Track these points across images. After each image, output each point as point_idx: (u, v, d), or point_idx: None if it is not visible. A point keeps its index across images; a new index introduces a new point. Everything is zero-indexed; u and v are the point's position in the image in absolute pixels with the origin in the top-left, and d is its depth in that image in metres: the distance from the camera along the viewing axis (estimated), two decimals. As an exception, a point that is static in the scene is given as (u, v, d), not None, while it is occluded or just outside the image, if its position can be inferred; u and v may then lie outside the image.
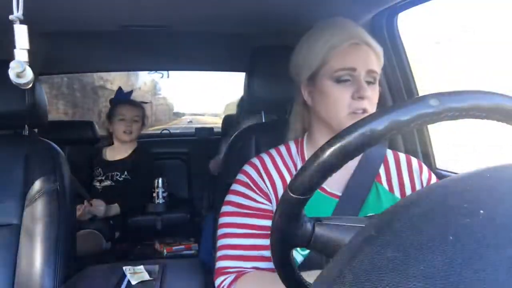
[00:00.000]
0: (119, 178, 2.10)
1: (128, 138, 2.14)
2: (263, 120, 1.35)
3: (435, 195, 0.28)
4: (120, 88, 2.33)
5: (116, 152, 2.18)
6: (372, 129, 0.39)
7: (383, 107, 0.42)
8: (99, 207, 1.91)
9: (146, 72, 2.83)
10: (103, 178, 2.10)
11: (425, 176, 0.89)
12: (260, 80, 1.17)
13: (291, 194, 0.43)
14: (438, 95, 0.39)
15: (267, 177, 0.87)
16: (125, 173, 2.11)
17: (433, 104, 0.38)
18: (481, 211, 0.24)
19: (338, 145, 0.40)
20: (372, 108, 0.81)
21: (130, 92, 2.32)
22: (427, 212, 0.26)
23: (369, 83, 0.81)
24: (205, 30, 1.52)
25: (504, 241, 0.22)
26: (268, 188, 0.86)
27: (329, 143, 0.41)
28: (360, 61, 0.80)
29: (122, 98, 2.23)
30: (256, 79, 1.17)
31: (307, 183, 0.42)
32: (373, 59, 0.82)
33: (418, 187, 0.88)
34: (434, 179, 0.90)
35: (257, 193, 0.85)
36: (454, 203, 0.26)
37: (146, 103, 2.49)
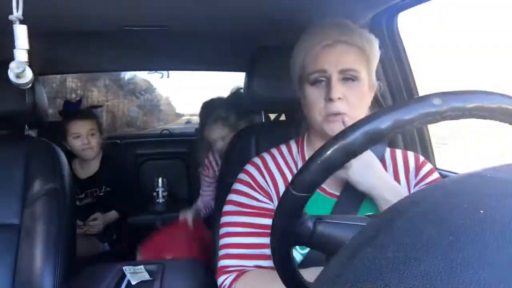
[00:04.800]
0: (99, 194, 1.98)
1: (90, 155, 1.96)
2: (263, 120, 1.35)
3: (435, 195, 0.28)
4: (66, 101, 2.12)
5: (85, 169, 2.01)
6: (375, 128, 0.39)
7: (383, 107, 0.42)
8: (96, 226, 1.85)
9: (146, 72, 2.82)
10: (82, 196, 1.97)
11: (424, 171, 0.88)
12: (260, 80, 1.17)
13: (293, 192, 0.43)
14: (441, 95, 0.39)
15: (269, 176, 0.87)
16: (103, 187, 1.98)
17: (436, 104, 0.38)
18: (481, 211, 0.24)
19: (340, 143, 0.40)
20: (351, 108, 0.79)
21: (79, 102, 2.11)
22: (427, 212, 0.26)
23: (347, 80, 0.80)
24: (205, 30, 1.52)
25: (504, 241, 0.22)
26: (270, 187, 0.86)
27: (332, 142, 0.41)
28: (330, 62, 0.79)
29: (72, 109, 2.03)
30: (256, 79, 1.17)
31: (309, 181, 0.42)
32: (350, 56, 0.80)
33: (413, 184, 0.87)
34: (435, 175, 0.88)
35: (259, 192, 0.86)
36: (454, 203, 0.26)
37: (99, 107, 2.30)
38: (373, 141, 0.39)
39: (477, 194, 0.27)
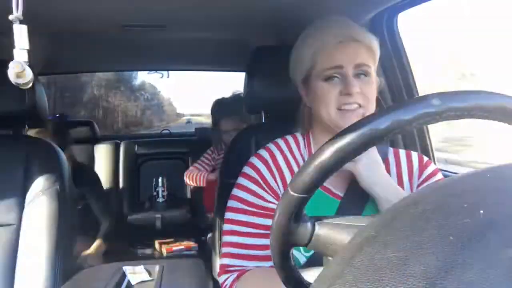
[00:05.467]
0: (78, 207, 1.85)
1: None
2: (263, 120, 1.35)
3: (435, 195, 0.28)
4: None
5: None
6: (374, 129, 0.39)
7: (383, 107, 0.42)
8: (98, 254, 1.80)
9: (146, 72, 2.82)
10: None
11: (428, 172, 0.87)
12: (260, 80, 1.17)
13: (292, 193, 0.43)
14: (440, 95, 0.39)
15: (277, 172, 0.85)
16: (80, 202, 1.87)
17: (435, 104, 0.38)
18: (481, 211, 0.24)
19: (339, 144, 0.40)
20: (366, 102, 0.81)
21: (59, 117, 1.97)
22: (427, 212, 0.26)
23: (359, 75, 0.82)
24: (205, 30, 1.52)
25: (504, 241, 0.22)
26: (278, 185, 0.85)
27: (330, 143, 0.40)
28: (346, 58, 0.81)
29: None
30: (256, 79, 1.17)
31: (308, 182, 0.42)
32: (362, 53, 0.82)
33: (416, 185, 0.87)
34: (439, 175, 0.88)
35: (266, 191, 0.84)
36: (454, 203, 0.26)
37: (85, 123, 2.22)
38: (372, 141, 0.39)
39: (477, 194, 0.27)
